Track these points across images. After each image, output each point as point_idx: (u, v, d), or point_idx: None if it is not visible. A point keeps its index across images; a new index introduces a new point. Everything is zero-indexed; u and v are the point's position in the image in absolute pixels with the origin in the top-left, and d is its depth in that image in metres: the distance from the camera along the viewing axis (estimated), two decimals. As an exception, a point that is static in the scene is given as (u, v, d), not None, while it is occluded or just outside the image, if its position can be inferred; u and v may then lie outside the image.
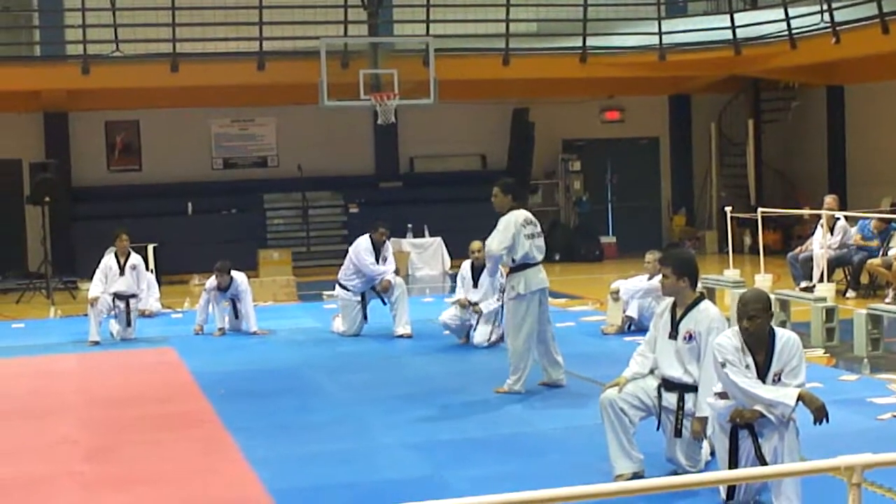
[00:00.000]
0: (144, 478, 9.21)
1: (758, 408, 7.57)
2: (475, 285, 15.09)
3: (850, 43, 21.80)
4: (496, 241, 11.85)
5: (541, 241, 12.11)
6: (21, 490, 8.98)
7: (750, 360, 7.64)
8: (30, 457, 10.05)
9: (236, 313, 16.71)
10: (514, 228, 11.84)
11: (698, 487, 8.06)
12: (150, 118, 25.62)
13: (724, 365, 7.68)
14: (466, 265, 15.33)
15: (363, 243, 16.29)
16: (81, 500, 8.67)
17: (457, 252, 15.56)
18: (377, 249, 16.26)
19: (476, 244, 15.08)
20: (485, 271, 14.71)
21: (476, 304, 14.96)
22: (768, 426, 7.58)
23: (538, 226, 12.19)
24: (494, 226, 12.05)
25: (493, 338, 14.75)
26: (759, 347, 7.66)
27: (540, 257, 12.03)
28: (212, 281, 16.63)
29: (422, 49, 22.62)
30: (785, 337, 7.72)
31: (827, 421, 7.53)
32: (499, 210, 12.06)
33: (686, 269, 8.53)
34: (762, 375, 7.63)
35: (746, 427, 7.65)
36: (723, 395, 7.81)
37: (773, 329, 7.74)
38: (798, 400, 7.48)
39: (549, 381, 12.23)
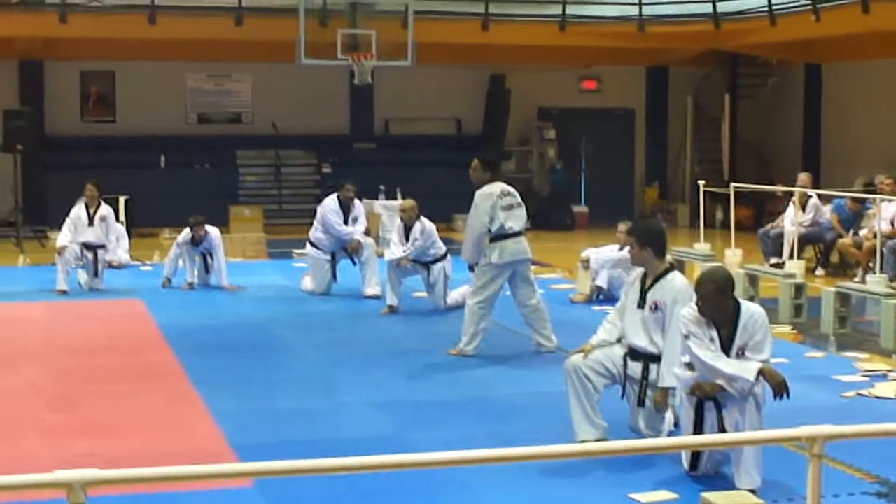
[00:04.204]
0: (106, 428, 9.20)
1: (719, 381, 7.59)
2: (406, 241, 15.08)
3: (830, 21, 21.79)
4: (477, 220, 11.89)
5: (521, 211, 12.13)
6: (-18, 435, 8.98)
7: (714, 333, 7.65)
8: (-8, 403, 10.04)
9: (207, 268, 16.68)
10: (491, 201, 11.87)
11: (659, 453, 8.12)
12: (126, 70, 25.46)
13: (687, 337, 7.70)
14: (399, 225, 15.30)
15: (330, 204, 16.27)
16: (42, 447, 8.65)
17: (427, 216, 15.50)
18: (346, 209, 16.24)
19: (405, 203, 15.37)
20: (413, 229, 14.97)
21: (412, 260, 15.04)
22: (731, 399, 7.59)
23: (517, 196, 12.19)
24: (467, 191, 12.11)
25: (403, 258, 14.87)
26: (723, 321, 7.66)
27: (518, 227, 12.03)
28: (186, 234, 16.56)
29: (401, 10, 22.53)
30: (750, 311, 7.72)
31: (787, 396, 7.56)
32: (476, 184, 12.08)
33: (649, 239, 8.53)
34: (726, 349, 7.64)
35: (711, 399, 7.67)
36: (690, 366, 7.82)
37: (738, 303, 7.75)
38: (758, 375, 7.50)
39: (538, 346, 12.27)
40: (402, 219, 15.26)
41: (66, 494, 4.23)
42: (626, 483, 7.68)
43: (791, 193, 18.89)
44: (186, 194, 23.29)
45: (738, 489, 7.43)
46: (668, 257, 8.80)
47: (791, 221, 18.21)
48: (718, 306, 7.62)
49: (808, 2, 22.14)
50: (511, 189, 12.21)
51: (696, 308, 7.71)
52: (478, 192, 11.99)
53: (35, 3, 23.84)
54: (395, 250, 14.96)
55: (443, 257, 15.12)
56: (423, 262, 15.06)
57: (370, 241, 16.46)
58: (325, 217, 16.17)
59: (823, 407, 9.85)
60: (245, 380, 10.94)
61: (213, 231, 16.66)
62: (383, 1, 23.97)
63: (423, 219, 15.12)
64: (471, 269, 12.21)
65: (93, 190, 16.70)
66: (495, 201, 11.89)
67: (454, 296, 14.99)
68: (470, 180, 12.23)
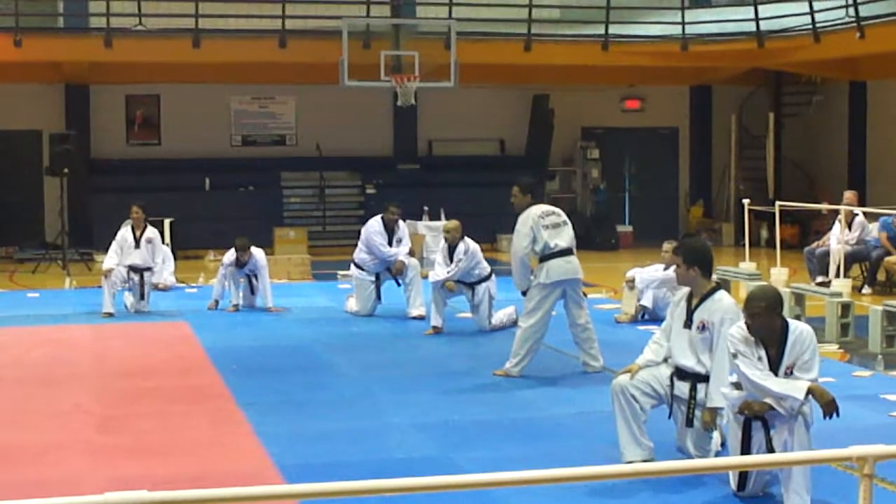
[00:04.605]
0: (154, 449, 9.24)
1: (768, 400, 7.55)
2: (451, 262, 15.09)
3: (875, 38, 21.69)
4: (517, 245, 11.92)
5: (567, 229, 12.11)
6: (32, 456, 9.02)
7: (762, 352, 7.61)
8: (42, 424, 10.09)
9: (252, 289, 16.72)
10: (532, 223, 11.88)
11: (707, 473, 8.06)
12: (171, 93, 25.63)
13: (735, 356, 7.66)
14: (443, 246, 15.32)
15: (374, 225, 16.29)
16: (90, 468, 8.69)
17: (472, 236, 15.49)
18: (390, 231, 16.26)
19: (449, 224, 15.40)
20: (457, 251, 14.95)
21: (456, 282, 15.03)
22: (779, 419, 7.55)
23: (562, 215, 12.20)
24: (511, 211, 12.16)
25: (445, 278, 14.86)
26: (771, 340, 7.63)
27: (564, 244, 12.01)
28: (230, 256, 16.60)
29: (444, 32, 22.59)
30: (798, 330, 7.67)
31: (837, 415, 7.50)
32: (518, 209, 12.09)
33: (695, 258, 8.49)
34: (774, 368, 7.60)
35: (759, 419, 7.63)
36: (738, 386, 7.79)
37: (786, 322, 7.70)
38: (808, 393, 7.45)
39: (585, 366, 12.26)
40: (446, 239, 15.27)
41: (116, 516, 4.24)
42: (674, 504, 7.65)
43: (837, 211, 18.80)
44: (231, 216, 23.45)
45: (786, 510, 7.39)
46: (714, 276, 8.76)
47: (837, 240, 18.12)
48: (768, 324, 7.58)
49: (853, 19, 22.06)
50: (554, 209, 12.23)
51: (744, 327, 7.67)
52: (519, 217, 12.01)
53: (80, 28, 24.06)
54: (440, 271, 14.97)
55: (487, 278, 15.11)
56: (467, 283, 15.05)
57: (414, 262, 16.46)
58: (369, 238, 16.20)
59: (872, 426, 9.78)
60: (290, 401, 10.95)
61: (258, 253, 16.71)
62: (426, 22, 24.08)
63: (467, 239, 15.12)
64: (524, 294, 12.18)
65: (138, 212, 16.79)
66: (536, 221, 11.89)
67: (499, 316, 14.99)
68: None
